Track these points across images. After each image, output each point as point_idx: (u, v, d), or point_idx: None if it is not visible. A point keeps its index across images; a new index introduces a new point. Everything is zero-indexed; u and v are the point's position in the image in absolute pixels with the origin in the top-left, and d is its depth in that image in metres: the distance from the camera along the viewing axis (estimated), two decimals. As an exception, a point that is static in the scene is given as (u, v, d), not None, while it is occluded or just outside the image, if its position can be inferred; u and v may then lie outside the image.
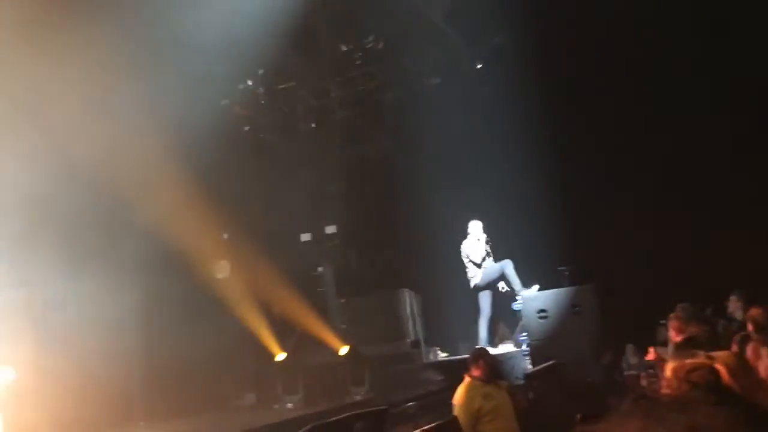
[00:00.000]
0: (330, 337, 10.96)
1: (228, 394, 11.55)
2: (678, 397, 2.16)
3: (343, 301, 12.14)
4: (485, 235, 10.63)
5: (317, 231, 12.70)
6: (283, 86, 12.92)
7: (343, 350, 10.78)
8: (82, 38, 8.39)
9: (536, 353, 9.94)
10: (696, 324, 6.20)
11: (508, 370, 9.43)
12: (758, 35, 10.10)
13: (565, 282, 10.40)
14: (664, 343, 6.79)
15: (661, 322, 7.07)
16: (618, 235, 11.19)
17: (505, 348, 10.77)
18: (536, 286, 10.38)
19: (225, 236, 11.89)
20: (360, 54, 12.64)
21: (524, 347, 10.35)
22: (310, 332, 11.04)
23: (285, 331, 11.25)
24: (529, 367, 9.75)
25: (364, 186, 13.15)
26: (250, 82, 12.62)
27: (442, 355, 11.54)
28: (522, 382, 8.42)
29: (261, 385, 11.38)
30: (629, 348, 9.84)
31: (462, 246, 10.66)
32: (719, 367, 2.81)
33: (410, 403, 8.38)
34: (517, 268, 10.39)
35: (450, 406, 6.73)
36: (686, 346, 4.70)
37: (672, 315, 6.56)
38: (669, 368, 2.78)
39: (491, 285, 10.59)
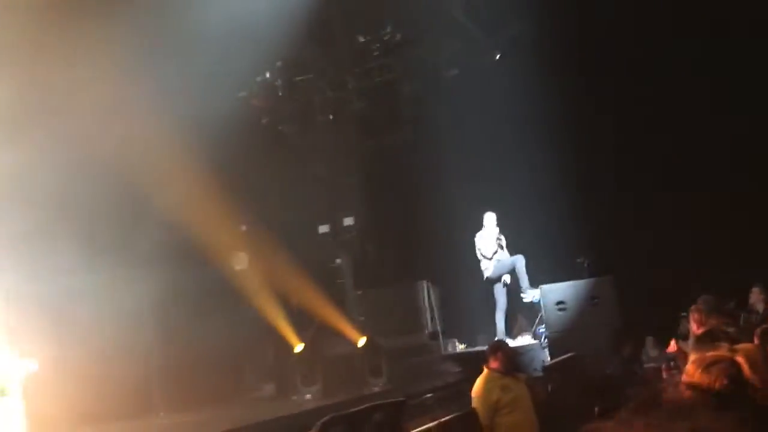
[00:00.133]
0: (348, 329, 10.97)
1: (247, 384, 11.63)
2: (681, 401, 2.13)
3: (360, 292, 12.15)
4: (498, 228, 10.61)
5: (335, 223, 12.72)
6: (300, 78, 12.91)
7: (361, 342, 10.79)
8: (101, 33, 8.43)
9: (555, 345, 9.89)
10: (717, 316, 6.11)
11: (527, 363, 9.40)
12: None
13: (584, 273, 10.34)
14: (685, 336, 6.72)
15: (682, 314, 6.99)
16: (638, 226, 11.09)
17: (524, 340, 10.73)
18: (537, 290, 10.42)
19: (243, 228, 11.93)
20: (377, 45, 12.60)
21: (543, 339, 10.32)
22: (329, 324, 11.06)
23: (303, 322, 11.29)
24: (548, 359, 9.71)
25: (381, 177, 13.13)
26: (268, 75, 12.63)
27: (461, 347, 11.53)
28: (541, 374, 8.39)
29: (280, 376, 11.44)
30: (649, 340, 9.76)
31: (475, 238, 10.67)
32: (740, 359, 2.77)
33: (428, 395, 8.38)
34: (536, 260, 10.35)
35: (468, 398, 6.72)
36: (707, 339, 4.64)
37: (693, 307, 6.48)
38: (690, 360, 2.74)
39: (506, 276, 10.59)
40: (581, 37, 11.44)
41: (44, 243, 8.89)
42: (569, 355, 8.92)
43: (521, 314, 11.13)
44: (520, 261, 10.43)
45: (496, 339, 9.60)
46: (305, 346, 10.95)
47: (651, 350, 9.55)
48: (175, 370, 10.49)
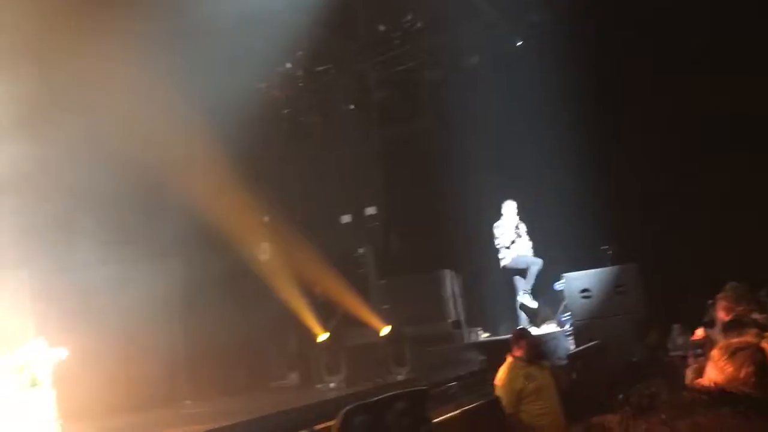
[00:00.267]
0: (371, 318, 11.01)
1: (271, 374, 11.73)
2: (685, 399, 2.10)
3: (383, 282, 12.16)
4: (517, 217, 10.57)
5: (357, 212, 12.74)
6: (321, 68, 12.91)
7: (385, 331, 10.82)
8: (121, 23, 8.49)
9: (579, 333, 9.85)
10: (746, 304, 6.02)
11: (551, 351, 9.36)
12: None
13: (608, 261, 10.26)
14: (713, 324, 6.63)
15: (710, 302, 6.89)
16: (664, 213, 10.94)
17: (548, 328, 10.69)
18: (534, 300, 10.49)
19: (266, 219, 12.00)
20: (398, 34, 12.54)
21: (567, 327, 10.27)
22: (352, 313, 11.11)
23: (327, 311, 11.35)
24: (572, 347, 9.67)
25: (403, 166, 13.09)
26: (288, 65, 12.65)
27: (484, 336, 11.51)
28: (565, 362, 8.36)
29: (304, 365, 11.52)
30: (675, 328, 9.64)
31: (494, 227, 10.65)
32: (766, 346, 2.73)
33: (452, 383, 8.37)
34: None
35: (492, 386, 6.72)
36: (735, 326, 4.58)
37: (721, 294, 6.38)
38: (716, 347, 2.70)
39: (519, 272, 10.57)
40: (605, 22, 11.28)
41: (69, 234, 9.01)
42: (594, 343, 8.88)
43: (545, 302, 11.08)
44: (535, 265, 10.41)
45: (519, 327, 9.58)
46: (329, 336, 11.01)
47: (677, 338, 9.43)
48: (200, 360, 10.61)
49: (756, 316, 5.24)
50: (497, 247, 10.62)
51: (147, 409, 9.12)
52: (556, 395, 6.60)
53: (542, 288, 10.78)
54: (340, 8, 11.50)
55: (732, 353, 2.53)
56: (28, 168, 8.16)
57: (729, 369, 2.48)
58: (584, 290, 10.14)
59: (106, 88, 8.69)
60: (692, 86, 10.80)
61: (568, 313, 10.39)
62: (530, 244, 10.63)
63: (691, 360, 7.08)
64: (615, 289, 10.08)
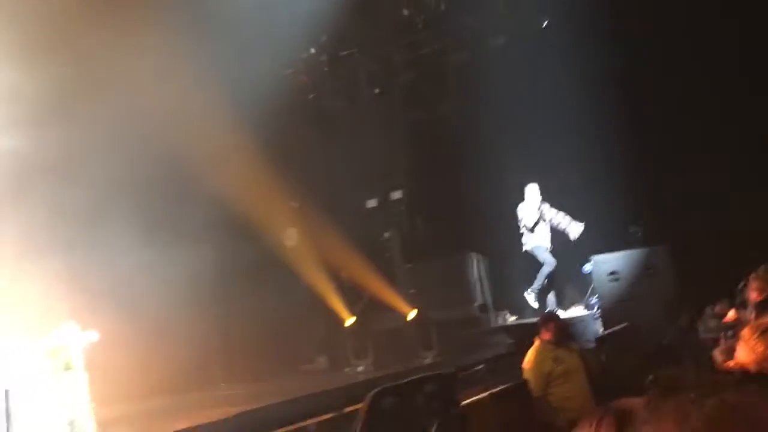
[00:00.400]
0: (398, 302, 11.04)
1: (301, 357, 11.84)
2: (714, 379, 2.07)
3: (410, 266, 12.18)
4: (540, 199, 10.48)
5: (383, 197, 12.73)
6: (345, 52, 12.88)
7: (411, 314, 10.85)
8: (151, 12, 8.56)
9: (608, 316, 9.77)
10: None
11: (579, 333, 9.31)
12: None
13: (637, 243, 10.13)
14: (745, 305, 6.53)
15: (742, 283, 6.79)
16: (694, 193, 10.75)
17: (576, 311, 10.63)
18: (535, 300, 10.45)
19: (293, 204, 12.06)
20: (422, 17, 12.44)
21: (595, 310, 10.19)
22: (379, 297, 11.14)
23: (353, 296, 11.40)
24: (601, 330, 9.60)
25: (429, 150, 13.04)
26: (313, 50, 12.63)
27: (511, 319, 11.48)
28: (593, 345, 8.31)
29: (332, 349, 11.61)
30: (707, 310, 9.51)
31: (517, 209, 10.58)
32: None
33: (479, 366, 8.38)
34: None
35: (520, 369, 6.70)
36: (767, 306, 4.51)
37: (753, 275, 6.28)
38: (747, 327, 2.67)
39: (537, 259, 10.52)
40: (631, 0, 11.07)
41: (102, 220, 9.16)
42: (623, 325, 8.80)
43: (572, 285, 11.01)
44: (548, 266, 10.31)
45: (547, 310, 9.55)
46: (356, 320, 11.07)
47: (709, 320, 9.31)
48: (232, 344, 10.77)
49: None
50: (521, 229, 10.56)
51: (181, 392, 9.30)
52: (585, 378, 6.56)
53: (570, 271, 10.70)
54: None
55: (763, 332, 2.49)
56: (63, 155, 8.30)
57: (760, 348, 2.44)
58: (612, 273, 10.04)
59: (135, 76, 8.78)
60: (724, 63, 10.57)
61: (597, 296, 10.30)
62: (549, 235, 10.50)
63: (722, 342, 7.01)
64: (644, 272, 9.96)
